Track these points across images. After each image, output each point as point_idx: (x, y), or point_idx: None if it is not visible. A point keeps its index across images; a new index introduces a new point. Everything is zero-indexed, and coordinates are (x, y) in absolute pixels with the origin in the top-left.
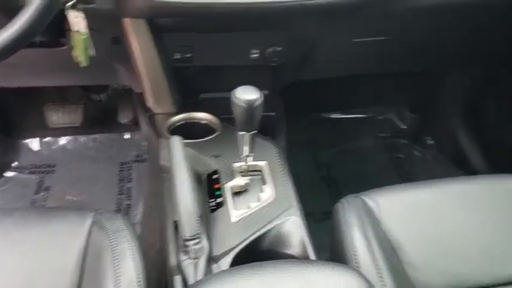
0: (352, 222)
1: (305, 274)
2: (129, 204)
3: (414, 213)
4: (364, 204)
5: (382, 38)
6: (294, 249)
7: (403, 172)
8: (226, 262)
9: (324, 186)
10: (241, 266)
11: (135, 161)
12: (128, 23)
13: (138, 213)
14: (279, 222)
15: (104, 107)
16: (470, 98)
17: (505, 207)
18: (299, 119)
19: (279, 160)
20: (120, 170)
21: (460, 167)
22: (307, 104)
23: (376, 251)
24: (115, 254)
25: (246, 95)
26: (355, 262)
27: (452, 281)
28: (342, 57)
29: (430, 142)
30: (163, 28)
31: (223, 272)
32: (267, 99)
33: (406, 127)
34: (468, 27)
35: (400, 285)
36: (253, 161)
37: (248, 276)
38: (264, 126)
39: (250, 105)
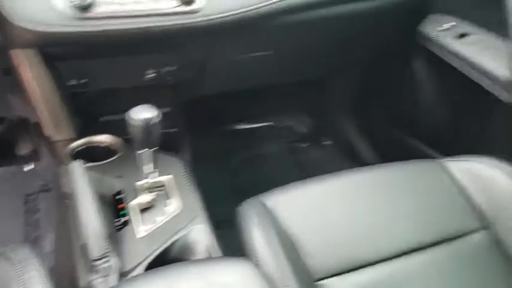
0: (252, 222)
1: (203, 270)
2: (38, 235)
3: (309, 207)
4: (263, 204)
5: (268, 52)
6: (201, 256)
7: (305, 173)
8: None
9: (234, 194)
10: (146, 272)
11: (42, 191)
12: (18, 54)
13: (47, 243)
14: (185, 232)
15: (0, 140)
16: (358, 98)
17: (388, 191)
18: (206, 132)
19: (183, 173)
20: (25, 202)
21: (355, 162)
22: (213, 117)
23: (276, 246)
24: (21, 284)
25: (142, 114)
26: (255, 257)
27: (345, 263)
28: (234, 73)
29: (328, 143)
30: (55, 57)
31: (129, 279)
32: (168, 116)
33: (305, 131)
34: (346, 37)
35: (298, 274)
36: (158, 176)
37: (151, 279)
38: (168, 142)
39: (146, 124)
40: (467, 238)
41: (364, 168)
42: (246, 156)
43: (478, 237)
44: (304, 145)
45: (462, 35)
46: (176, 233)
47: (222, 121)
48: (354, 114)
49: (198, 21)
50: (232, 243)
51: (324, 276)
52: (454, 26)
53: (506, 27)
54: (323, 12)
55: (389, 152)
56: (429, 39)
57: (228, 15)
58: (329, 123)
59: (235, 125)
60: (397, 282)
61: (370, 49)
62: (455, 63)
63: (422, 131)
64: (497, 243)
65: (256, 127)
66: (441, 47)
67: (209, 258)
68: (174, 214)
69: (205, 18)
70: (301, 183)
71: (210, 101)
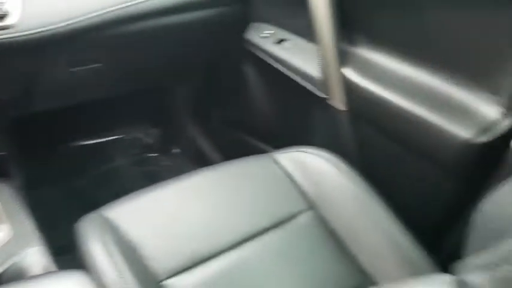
0: (90, 236)
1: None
2: None
3: (150, 212)
4: (103, 217)
5: (99, 64)
6: None
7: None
8: None
9: (84, 213)
10: None
11: None
12: None
13: None
14: (18, 257)
15: None
16: (200, 104)
17: (226, 187)
18: (47, 152)
19: (13, 199)
20: None
21: (203, 166)
22: (54, 135)
23: (115, 256)
24: None
25: None
26: (94, 269)
27: (188, 260)
28: (67, 87)
29: (176, 151)
30: None
31: None
32: None
33: (153, 142)
34: (179, 47)
35: (141, 279)
36: None
37: None
38: None
39: None
40: (297, 219)
41: (204, 169)
42: (95, 173)
43: (305, 217)
44: (153, 156)
45: (280, 41)
46: (7, 260)
47: (64, 139)
48: (198, 120)
49: (11, 37)
50: (76, 264)
51: (168, 276)
52: (273, 33)
53: (313, 34)
54: (152, 23)
55: (233, 152)
56: (254, 45)
57: (44, 31)
58: (176, 132)
59: (81, 141)
60: (239, 269)
61: (205, 56)
62: (277, 66)
63: (258, 129)
64: (321, 220)
65: (103, 141)
66: (264, 52)
67: (42, 275)
68: (3, 241)
69: (19, 34)
70: (142, 192)
71: (47, 119)
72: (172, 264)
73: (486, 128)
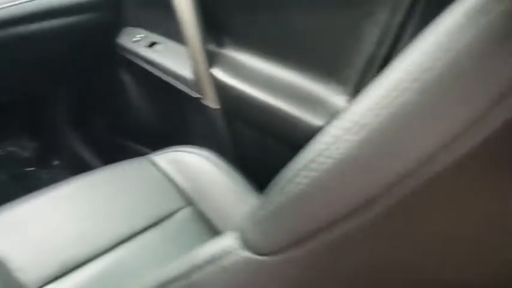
0: None
1: None
2: None
3: (20, 224)
4: None
5: None
6: None
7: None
8: None
9: None
10: None
11: None
12: None
13: None
14: None
15: None
16: (79, 112)
17: (101, 192)
18: None
19: None
20: None
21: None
22: None
23: None
24: None
25: None
26: None
27: (61, 268)
28: None
29: (56, 163)
30: None
31: None
32: None
33: (30, 155)
34: (48, 54)
35: None
36: None
37: None
38: None
39: None
40: (175, 216)
41: (79, 176)
42: None
43: (184, 213)
44: (31, 170)
45: (152, 44)
46: None
47: None
48: (77, 129)
49: None
50: None
51: (38, 286)
52: (144, 36)
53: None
54: (21, 29)
55: (115, 158)
56: (126, 50)
57: None
58: (54, 142)
59: None
60: (115, 271)
61: (77, 63)
62: (151, 69)
63: (138, 133)
64: (199, 215)
65: None
66: (137, 55)
67: None
68: None
69: None
70: (11, 205)
71: None
72: (43, 274)
73: (335, 115)
